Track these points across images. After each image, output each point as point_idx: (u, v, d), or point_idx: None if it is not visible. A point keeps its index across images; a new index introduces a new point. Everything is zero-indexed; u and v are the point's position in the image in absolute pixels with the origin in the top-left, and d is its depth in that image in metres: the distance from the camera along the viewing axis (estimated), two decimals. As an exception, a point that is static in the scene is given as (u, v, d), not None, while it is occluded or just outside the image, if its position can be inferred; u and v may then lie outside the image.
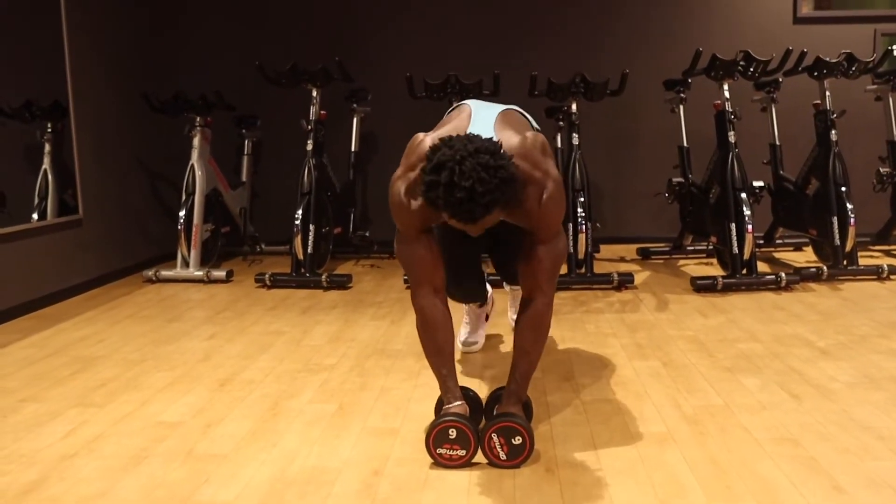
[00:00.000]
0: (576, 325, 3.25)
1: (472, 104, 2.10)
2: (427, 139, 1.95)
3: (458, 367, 2.70)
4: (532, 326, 1.99)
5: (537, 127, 2.27)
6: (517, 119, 2.13)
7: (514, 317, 2.90)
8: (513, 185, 1.69)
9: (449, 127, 2.03)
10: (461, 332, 2.93)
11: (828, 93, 4.23)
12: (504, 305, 3.45)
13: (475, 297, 2.71)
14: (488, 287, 2.85)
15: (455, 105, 2.23)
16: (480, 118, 2.02)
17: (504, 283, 2.94)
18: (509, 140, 1.91)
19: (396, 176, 1.95)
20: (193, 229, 4.41)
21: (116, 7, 4.66)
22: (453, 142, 1.69)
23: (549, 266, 1.96)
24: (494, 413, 2.01)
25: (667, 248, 4.96)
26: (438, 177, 1.65)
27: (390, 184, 1.96)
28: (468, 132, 1.91)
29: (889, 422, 2.11)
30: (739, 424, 2.12)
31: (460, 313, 2.94)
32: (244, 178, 5.15)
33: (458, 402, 1.97)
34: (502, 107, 2.12)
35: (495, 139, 1.81)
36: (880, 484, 1.75)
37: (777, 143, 4.73)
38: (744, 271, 3.87)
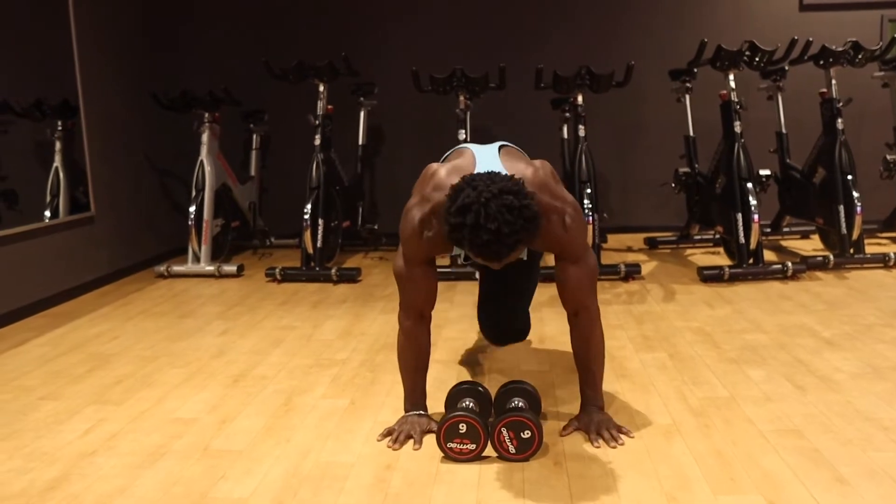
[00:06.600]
0: (583, 317, 3.28)
1: (470, 145, 2.15)
2: (441, 170, 1.98)
3: (469, 363, 2.75)
4: (586, 343, 2.08)
5: None
6: (516, 152, 2.18)
7: None
8: (536, 222, 1.69)
9: (459, 162, 2.04)
10: None
11: (834, 81, 4.23)
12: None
13: (517, 338, 2.51)
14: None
15: (453, 149, 2.26)
16: (483, 154, 2.06)
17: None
18: (523, 172, 1.95)
19: (412, 204, 1.98)
20: (204, 224, 4.45)
21: (124, 5, 4.69)
22: (476, 182, 1.68)
23: (587, 283, 2.03)
24: (507, 408, 2.05)
25: (674, 238, 4.98)
26: (464, 219, 1.64)
27: (404, 212, 1.99)
28: (481, 170, 1.90)
29: (892, 412, 2.14)
30: (744, 416, 2.15)
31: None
32: (252, 173, 5.19)
33: (417, 412, 2.11)
34: (498, 143, 2.16)
35: (511, 174, 1.82)
36: (882, 475, 1.79)
37: (783, 131, 4.73)
38: (750, 261, 3.89)
